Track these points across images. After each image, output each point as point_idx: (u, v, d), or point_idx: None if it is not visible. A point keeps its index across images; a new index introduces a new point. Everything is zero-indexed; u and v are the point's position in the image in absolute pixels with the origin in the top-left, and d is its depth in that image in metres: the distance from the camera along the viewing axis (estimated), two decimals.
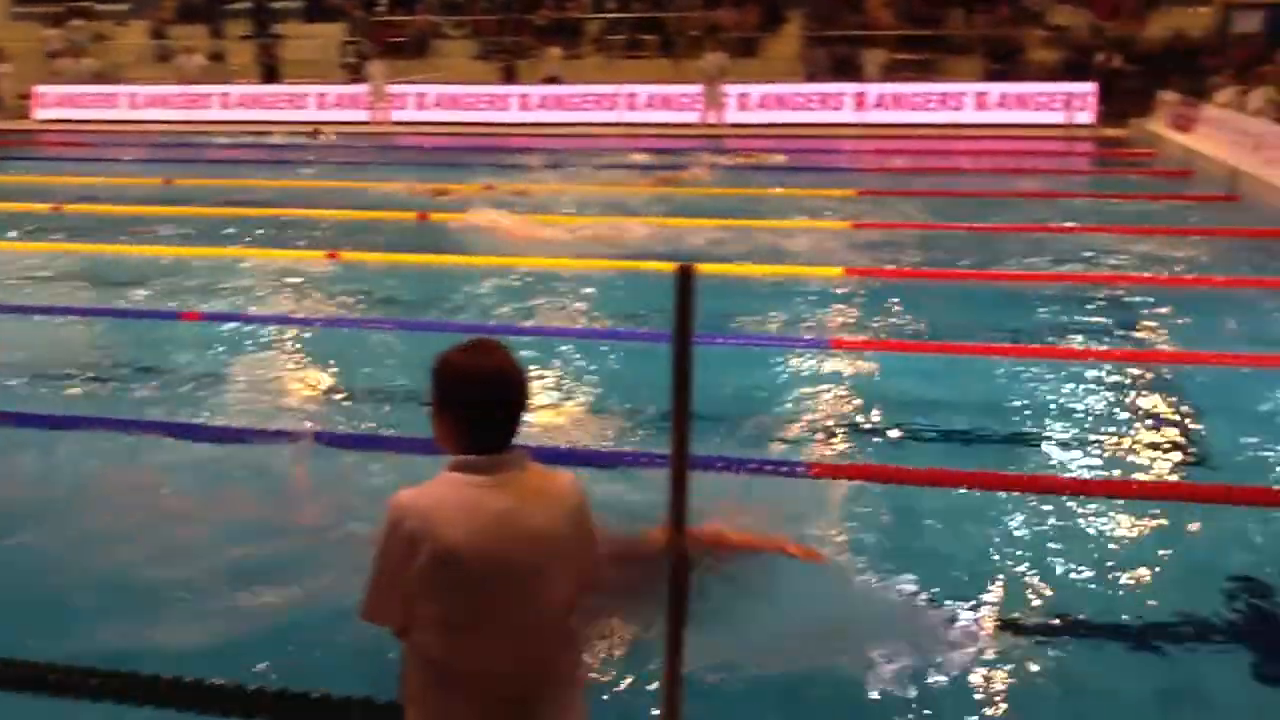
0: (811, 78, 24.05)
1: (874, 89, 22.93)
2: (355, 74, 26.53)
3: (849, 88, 23.16)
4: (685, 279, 2.07)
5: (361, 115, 25.04)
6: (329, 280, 10.70)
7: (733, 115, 23.05)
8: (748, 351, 8.31)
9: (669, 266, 2.17)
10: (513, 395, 2.60)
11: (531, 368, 6.87)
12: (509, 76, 26.00)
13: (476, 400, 2.56)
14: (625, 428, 6.71)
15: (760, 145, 20.00)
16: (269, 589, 4.76)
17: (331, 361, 8.24)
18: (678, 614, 2.27)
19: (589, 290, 10.17)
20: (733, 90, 23.03)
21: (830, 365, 7.97)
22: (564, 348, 8.38)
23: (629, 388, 7.42)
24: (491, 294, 10.10)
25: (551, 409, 7.12)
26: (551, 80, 25.24)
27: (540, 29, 26.74)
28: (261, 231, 13.02)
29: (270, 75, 28.01)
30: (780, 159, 18.82)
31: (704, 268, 10.70)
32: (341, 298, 10.10)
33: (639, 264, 10.67)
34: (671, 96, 23.78)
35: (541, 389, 7.36)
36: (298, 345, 8.74)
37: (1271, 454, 6.45)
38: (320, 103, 26.00)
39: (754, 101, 23.29)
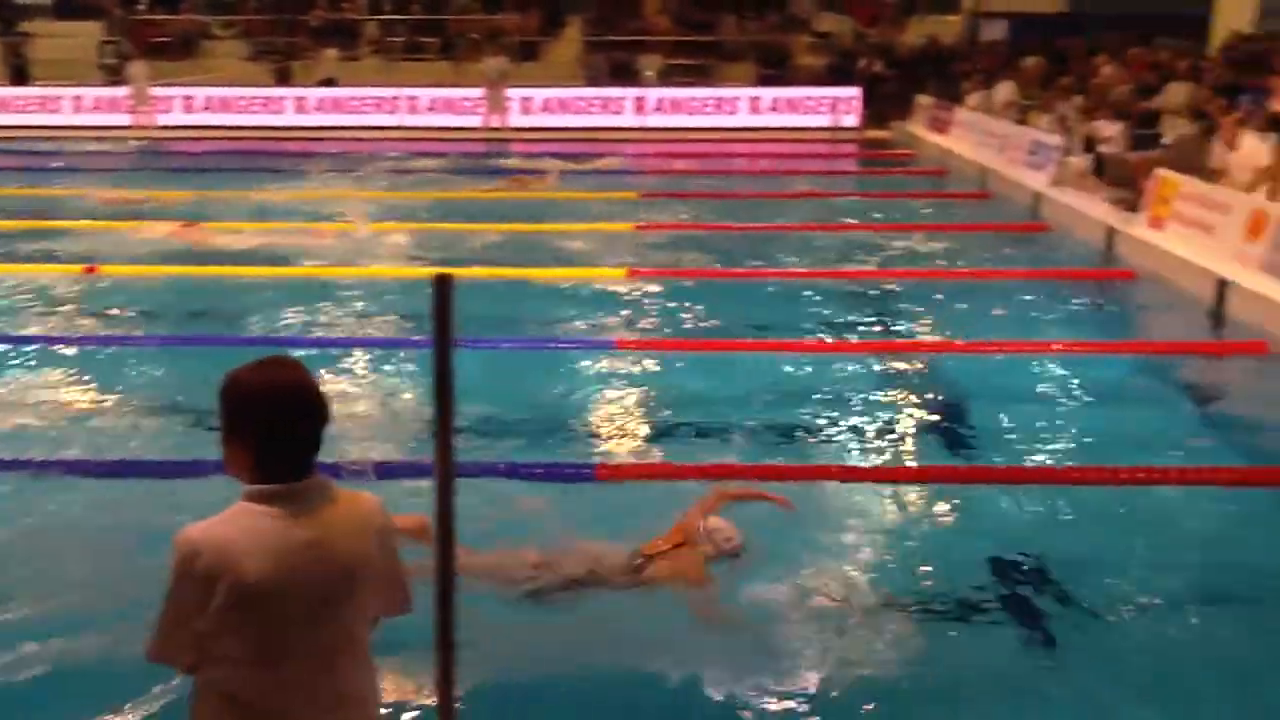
0: (592, 82, 24.32)
1: (653, 93, 23.38)
2: (115, 75, 25.05)
3: (628, 92, 23.54)
4: (443, 286, 2.07)
5: (123, 119, 23.67)
6: (87, 296, 10.09)
7: (515, 119, 23.02)
8: (535, 354, 8.36)
9: (429, 273, 2.16)
10: (312, 415, 2.44)
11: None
12: (283, 79, 25.14)
13: (273, 423, 2.39)
14: (416, 438, 6.59)
15: (553, 149, 20.09)
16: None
17: (90, 381, 7.76)
18: (446, 638, 2.25)
19: (365, 298, 9.96)
20: (515, 94, 23.01)
21: (615, 366, 8.11)
22: (339, 358, 8.16)
23: (413, 396, 7.31)
24: (264, 305, 9.75)
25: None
26: (328, 83, 24.57)
27: (315, 30, 25.99)
28: (13, 245, 12.15)
29: (19, 76, 26.13)
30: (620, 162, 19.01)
31: (488, 272, 10.72)
32: (101, 313, 9.54)
33: (411, 271, 10.57)
34: (453, 100, 23.55)
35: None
36: (54, 365, 8.19)
37: (1026, 434, 6.95)
38: (76, 106, 24.42)
39: (536, 105, 23.35)
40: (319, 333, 8.95)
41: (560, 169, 17.14)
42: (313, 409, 2.44)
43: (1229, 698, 4.28)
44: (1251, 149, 11.13)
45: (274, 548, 2.36)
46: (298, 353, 6.98)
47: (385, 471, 5.84)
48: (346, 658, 2.50)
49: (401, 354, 8.17)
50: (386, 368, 7.94)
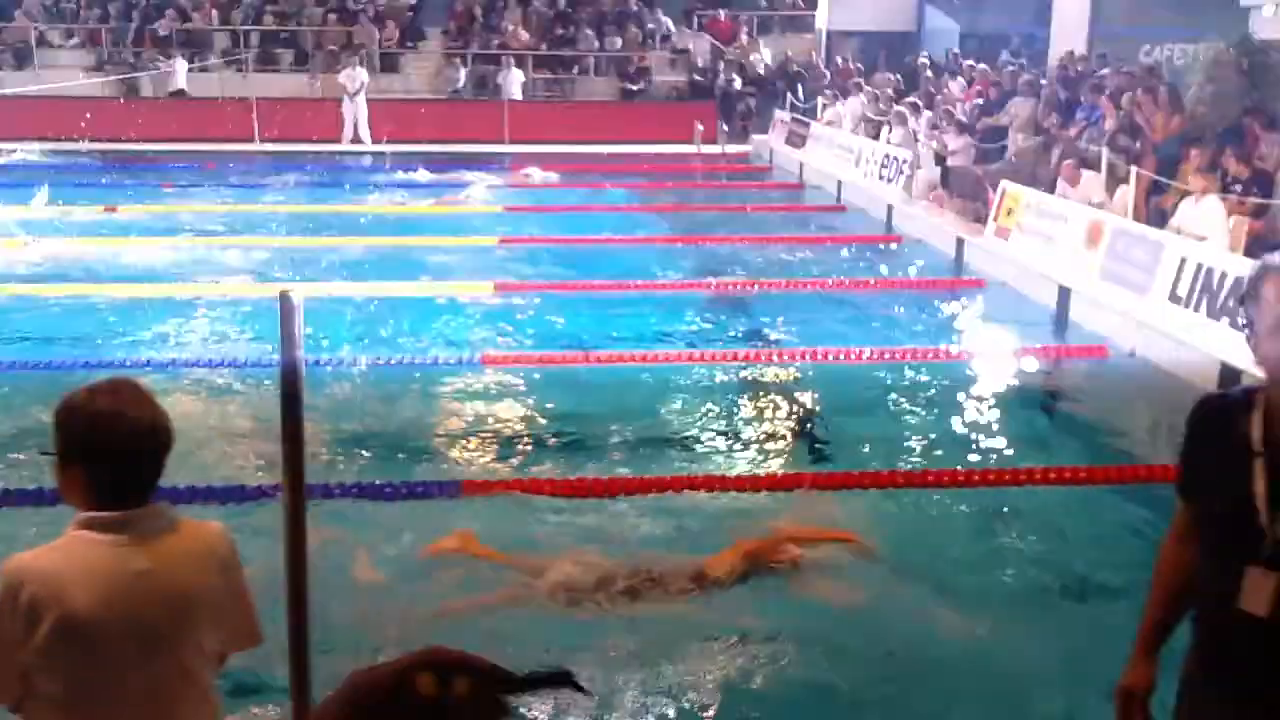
0: (454, 95, 24.12)
1: (514, 107, 23.32)
2: None
3: (490, 106, 23.42)
4: (287, 303, 2.03)
5: None
6: None
7: (379, 132, 22.63)
8: (400, 371, 8.24)
9: (274, 289, 2.12)
10: (154, 441, 2.33)
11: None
12: (129, 90, 24.20)
13: (112, 449, 2.27)
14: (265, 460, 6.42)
15: (416, 163, 19.84)
16: None
17: None
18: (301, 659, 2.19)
19: (214, 317, 9.68)
20: (374, 106, 22.64)
21: (482, 382, 8.06)
22: (185, 379, 7.90)
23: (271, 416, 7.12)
24: (106, 325, 9.37)
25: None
26: (178, 94, 23.76)
27: (163, 39, 25.09)
28: None
29: None
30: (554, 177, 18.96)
31: (350, 288, 10.49)
32: None
33: (258, 288, 10.33)
34: (311, 112, 22.95)
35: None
36: None
37: (884, 440, 7.17)
38: None
39: (398, 118, 22.97)
40: (163, 353, 8.62)
41: (486, 183, 17.16)
42: (151, 433, 2.33)
43: (1065, 687, 4.47)
44: (1088, 186, 11.70)
45: (106, 578, 2.25)
46: (140, 374, 6.76)
47: (234, 495, 5.70)
48: (183, 697, 2.38)
49: (256, 373, 7.93)
50: (238, 387, 7.72)
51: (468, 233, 13.54)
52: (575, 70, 25.05)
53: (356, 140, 22.20)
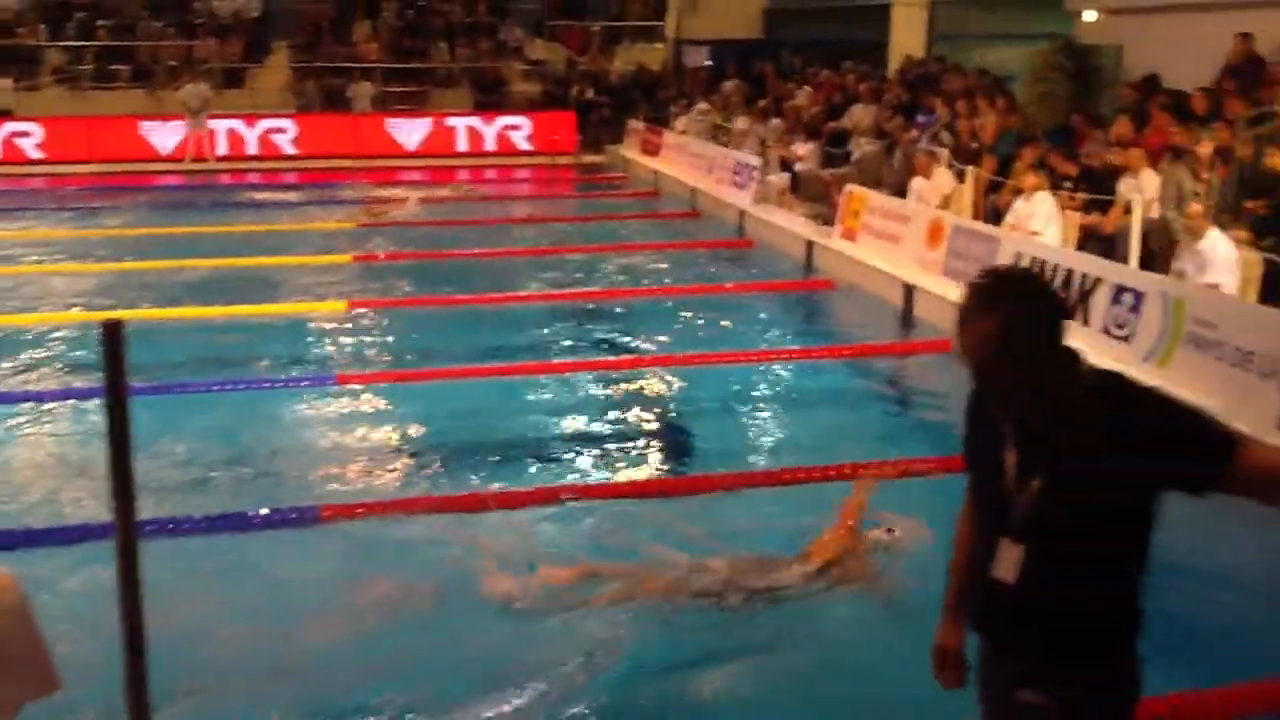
0: (303, 110, 23.59)
1: (366, 121, 22.95)
2: None
3: (341, 119, 23.00)
4: (113, 333, 1.95)
5: None
6: None
7: (222, 148, 21.99)
8: (252, 395, 8.02)
9: (99, 317, 2.05)
10: None
11: None
12: None
13: None
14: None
15: (265, 180, 19.29)
16: None
17: None
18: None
19: (39, 347, 9.28)
20: (221, 124, 21.99)
21: (337, 402, 7.91)
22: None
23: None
24: None
25: None
26: (3, 115, 22.60)
27: None
28: None
29: None
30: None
31: (195, 311, 10.15)
32: None
33: (85, 315, 9.95)
34: (152, 130, 22.09)
35: None
36: None
37: (744, 441, 7.30)
38: None
39: (245, 134, 22.37)
40: None
41: (419, 196, 16.81)
42: None
43: None
44: (940, 178, 12.15)
45: None
46: None
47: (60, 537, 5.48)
48: None
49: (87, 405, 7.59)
50: (67, 423, 7.40)
51: (320, 250, 13.26)
52: (427, 82, 24.78)
53: (200, 158, 21.50)
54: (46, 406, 7.70)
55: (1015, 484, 2.45)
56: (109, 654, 2.36)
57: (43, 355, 9.05)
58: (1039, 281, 2.66)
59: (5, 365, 8.73)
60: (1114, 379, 2.47)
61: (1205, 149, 9.65)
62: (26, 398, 7.89)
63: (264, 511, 5.92)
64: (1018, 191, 10.71)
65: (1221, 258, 8.22)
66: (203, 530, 5.71)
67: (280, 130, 22.47)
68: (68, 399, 7.79)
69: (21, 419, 7.51)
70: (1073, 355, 2.43)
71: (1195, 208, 8.49)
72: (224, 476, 6.57)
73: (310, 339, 9.65)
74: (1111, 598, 2.47)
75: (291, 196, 18.13)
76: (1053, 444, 2.40)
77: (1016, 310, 2.36)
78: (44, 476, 6.54)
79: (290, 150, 22.35)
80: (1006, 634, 2.56)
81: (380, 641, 4.81)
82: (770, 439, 7.39)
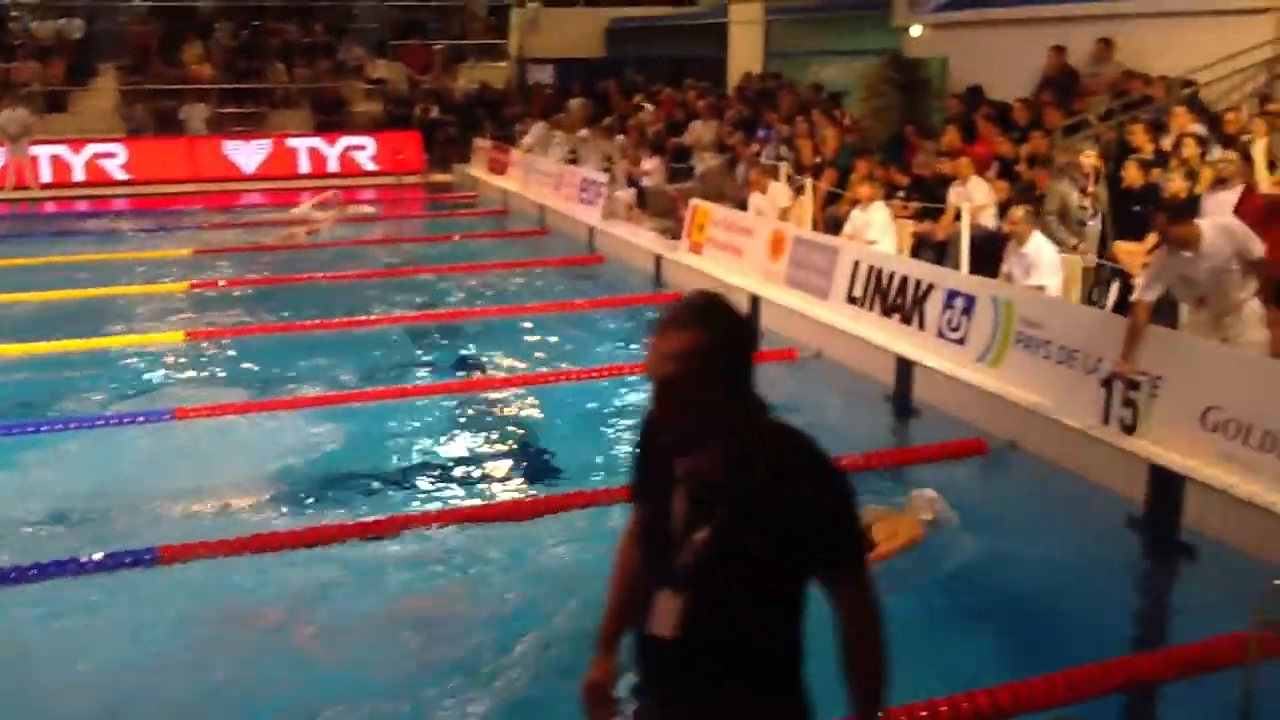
0: (134, 133, 22.68)
1: (201, 144, 22.21)
2: None
3: (175, 143, 22.21)
4: None
5: None
6: None
7: (46, 176, 20.97)
8: (82, 434, 7.64)
9: None
10: None
11: None
12: None
13: None
14: None
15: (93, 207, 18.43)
16: None
17: None
18: None
19: None
20: (44, 150, 20.96)
21: (175, 438, 7.61)
22: None
23: None
24: None
25: None
26: None
27: None
28: None
29: None
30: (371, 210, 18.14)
31: (20, 349, 9.65)
32: None
33: None
34: None
35: None
36: None
37: (604, 457, 7.31)
38: None
39: (70, 160, 21.35)
40: None
41: (334, 217, 16.32)
42: None
43: None
44: (776, 193, 12.44)
45: None
46: None
47: None
48: None
49: None
50: None
51: (154, 279, 12.76)
52: (265, 103, 24.14)
53: (21, 186, 20.44)
54: None
55: (682, 532, 2.32)
56: None
57: None
58: (748, 321, 2.57)
59: None
60: (796, 440, 2.35)
61: (1089, 160, 9.67)
62: None
63: (97, 556, 5.65)
64: (854, 202, 11.06)
65: (1046, 260, 8.64)
66: (33, 579, 5.43)
67: (109, 155, 21.54)
68: None
69: None
70: (760, 405, 2.35)
71: (1018, 213, 8.82)
72: (55, 521, 6.26)
73: (146, 372, 9.28)
74: (776, 638, 2.38)
75: (124, 225, 17.40)
76: (721, 492, 2.29)
77: (723, 334, 2.25)
78: None
79: (121, 175, 21.46)
80: (671, 689, 2.40)
81: (225, 682, 4.66)
82: (623, 454, 7.42)
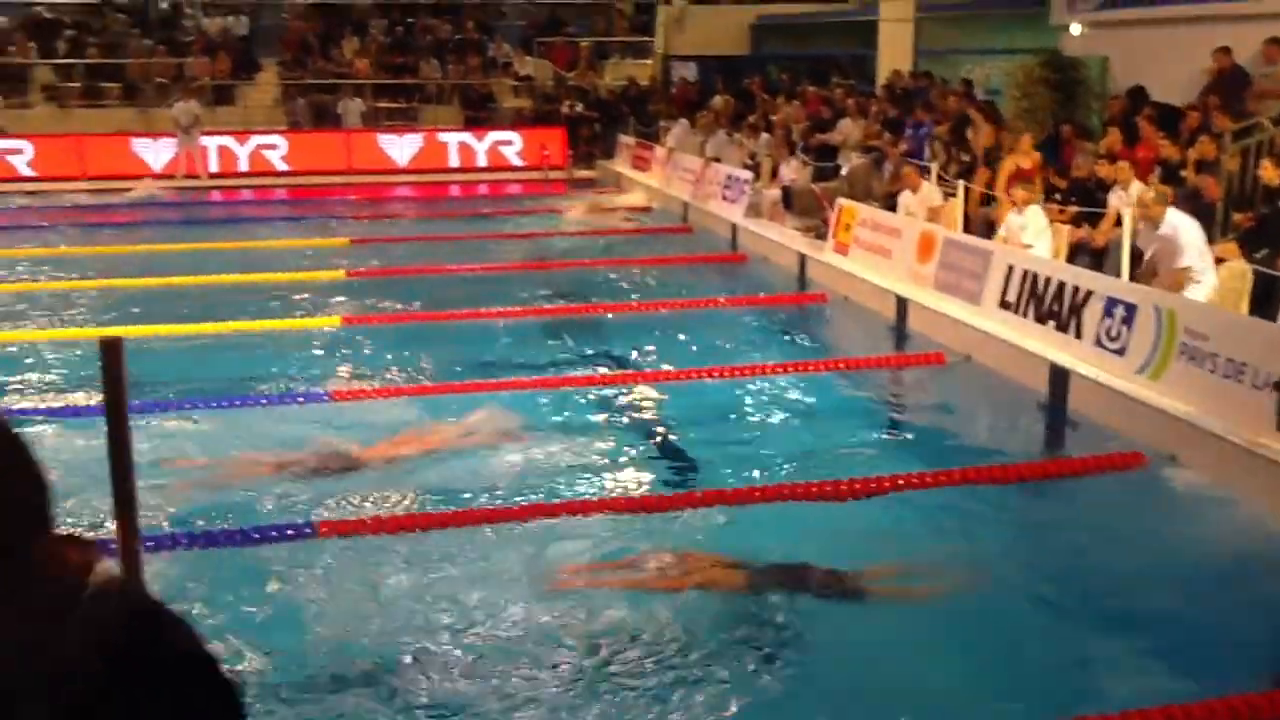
0: (294, 126, 23.62)
1: (357, 137, 22.98)
2: None
3: (333, 135, 23.03)
4: (111, 350, 1.98)
5: None
6: None
7: (214, 166, 21.98)
8: (247, 413, 8.00)
9: (95, 334, 2.07)
10: None
11: None
12: None
13: None
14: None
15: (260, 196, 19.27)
16: None
17: None
18: None
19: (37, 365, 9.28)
20: (212, 140, 21.99)
21: (331, 417, 7.89)
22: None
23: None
24: None
25: None
26: None
27: None
28: None
29: None
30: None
31: (190, 329, 10.11)
32: None
33: (82, 332, 9.94)
34: (147, 147, 21.96)
35: None
36: None
37: (742, 456, 7.31)
38: None
39: (236, 151, 22.35)
40: None
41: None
42: None
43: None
44: (928, 192, 12.23)
45: None
46: None
47: None
48: None
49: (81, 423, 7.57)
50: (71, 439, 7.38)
51: (313, 266, 13.27)
52: (417, 98, 24.83)
53: (191, 175, 21.50)
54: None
55: None
56: None
57: (44, 374, 9.05)
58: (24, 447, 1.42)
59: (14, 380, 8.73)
60: (148, 623, 1.41)
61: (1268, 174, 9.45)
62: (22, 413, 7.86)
63: (260, 526, 5.93)
64: (1009, 205, 10.79)
65: (1188, 242, 8.75)
66: (199, 545, 5.72)
67: (271, 146, 22.48)
68: (76, 416, 7.77)
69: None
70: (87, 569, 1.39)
71: (1148, 195, 8.98)
72: (219, 491, 6.57)
73: (305, 355, 9.65)
74: None
75: (282, 212, 18.11)
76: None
77: None
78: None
79: (282, 166, 22.36)
80: None
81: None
82: (764, 453, 7.40)
